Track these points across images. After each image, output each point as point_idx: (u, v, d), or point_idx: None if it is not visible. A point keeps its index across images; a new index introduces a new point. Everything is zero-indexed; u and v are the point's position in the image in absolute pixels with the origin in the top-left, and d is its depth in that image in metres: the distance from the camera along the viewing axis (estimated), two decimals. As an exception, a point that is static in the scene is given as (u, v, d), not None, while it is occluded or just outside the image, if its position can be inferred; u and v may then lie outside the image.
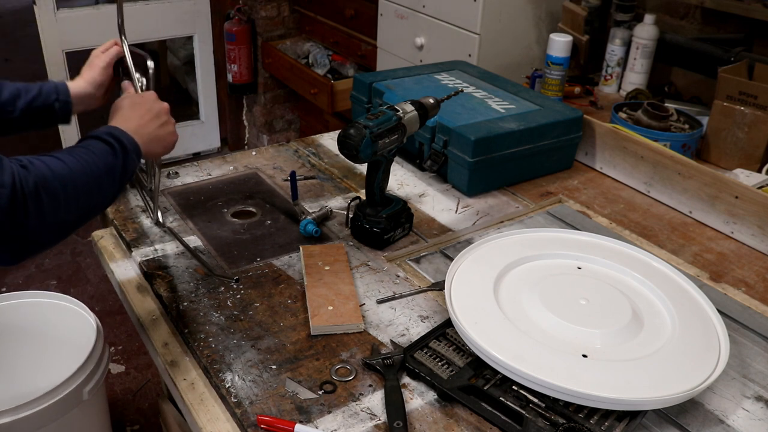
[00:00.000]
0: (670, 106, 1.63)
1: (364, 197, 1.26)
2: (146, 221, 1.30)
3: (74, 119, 3.06)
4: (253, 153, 1.58)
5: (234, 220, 1.31)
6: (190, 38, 3.59)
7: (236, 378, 0.94)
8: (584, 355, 0.91)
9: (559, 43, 1.75)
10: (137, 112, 1.05)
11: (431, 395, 0.92)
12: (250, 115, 3.69)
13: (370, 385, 0.93)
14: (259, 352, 0.98)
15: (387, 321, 1.05)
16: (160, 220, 1.27)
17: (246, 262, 1.18)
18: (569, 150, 1.55)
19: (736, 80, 1.55)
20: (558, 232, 1.20)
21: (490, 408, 0.89)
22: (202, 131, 3.74)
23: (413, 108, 1.20)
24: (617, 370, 0.89)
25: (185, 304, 1.08)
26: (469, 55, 2.00)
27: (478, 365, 0.94)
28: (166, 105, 1.09)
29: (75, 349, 1.62)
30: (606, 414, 0.88)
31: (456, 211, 1.37)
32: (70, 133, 3.27)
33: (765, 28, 1.69)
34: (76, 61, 3.06)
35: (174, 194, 1.39)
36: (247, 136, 3.77)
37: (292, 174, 1.35)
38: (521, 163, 1.46)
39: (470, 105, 1.52)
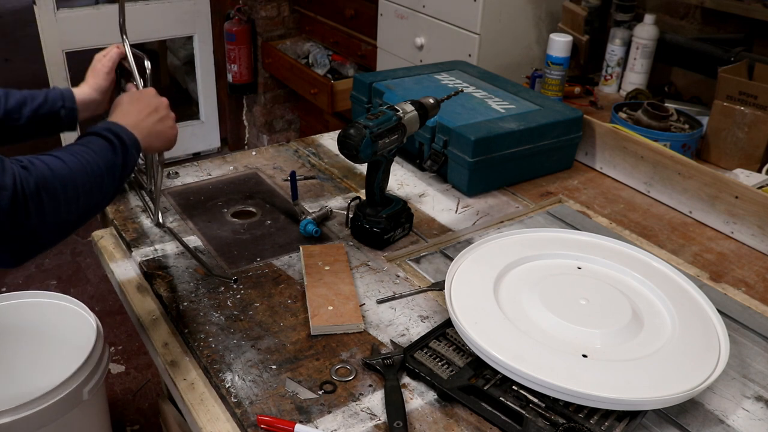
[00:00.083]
0: (670, 106, 1.63)
1: (364, 197, 1.26)
2: (146, 221, 1.30)
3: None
4: (253, 153, 1.58)
5: (234, 220, 1.31)
6: (190, 38, 3.59)
7: (236, 378, 0.94)
8: (584, 355, 0.91)
9: (559, 43, 1.75)
10: (136, 107, 1.05)
11: (431, 395, 0.92)
12: (250, 115, 3.69)
13: (370, 385, 0.93)
14: (259, 352, 0.98)
15: (387, 321, 1.05)
16: (161, 220, 1.27)
17: (246, 262, 1.18)
18: (569, 150, 1.55)
19: (736, 80, 1.55)
20: (558, 232, 1.20)
21: (490, 408, 0.89)
22: (202, 131, 3.74)
23: (413, 108, 1.20)
24: (617, 370, 0.89)
25: (185, 304, 1.08)
26: (469, 55, 2.00)
27: (478, 365, 0.94)
28: (165, 100, 1.10)
29: (75, 349, 1.62)
30: (606, 414, 0.88)
31: (456, 211, 1.37)
32: (70, 134, 3.26)
33: (765, 28, 1.69)
34: (76, 61, 3.07)
35: (174, 194, 1.39)
36: (247, 136, 3.77)
37: (292, 174, 1.35)
38: (521, 163, 1.46)
39: (470, 105, 1.52)
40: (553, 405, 0.88)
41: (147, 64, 1.18)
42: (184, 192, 1.40)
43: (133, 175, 1.38)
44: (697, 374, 0.89)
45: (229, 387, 0.92)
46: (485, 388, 0.91)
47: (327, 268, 1.14)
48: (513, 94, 1.60)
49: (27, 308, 1.71)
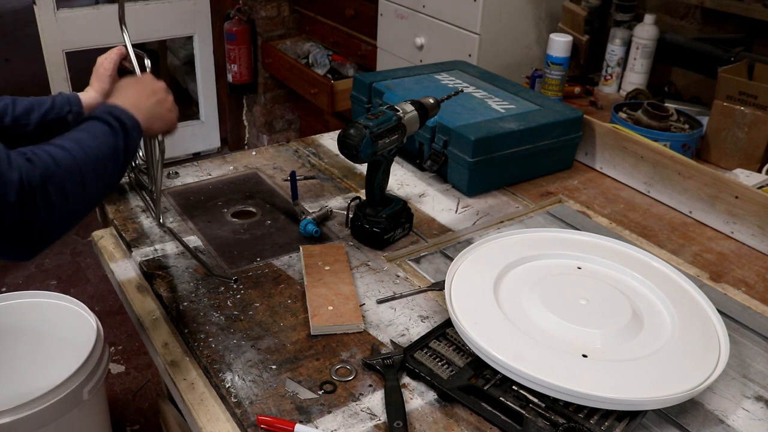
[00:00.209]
0: (670, 106, 1.63)
1: (364, 197, 1.26)
2: (146, 221, 1.30)
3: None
4: (253, 153, 1.58)
5: (234, 220, 1.31)
6: (190, 38, 3.59)
7: (236, 378, 0.94)
8: (584, 355, 0.91)
9: (559, 43, 1.75)
10: (135, 89, 1.06)
11: (431, 395, 0.92)
12: (250, 115, 3.69)
13: (370, 385, 0.93)
14: (259, 352, 0.98)
15: (387, 321, 1.05)
16: (161, 220, 1.27)
17: (246, 262, 1.18)
18: (569, 150, 1.55)
19: (736, 80, 1.55)
20: (558, 232, 1.20)
21: (490, 408, 0.89)
22: (202, 131, 3.74)
23: (413, 108, 1.20)
24: (617, 370, 0.89)
25: (185, 304, 1.08)
26: (469, 55, 2.00)
27: (478, 365, 0.94)
28: (162, 83, 1.11)
29: (75, 349, 1.62)
30: (606, 414, 0.88)
31: (456, 211, 1.37)
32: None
33: (765, 28, 1.69)
34: (76, 61, 3.08)
35: (174, 194, 1.39)
36: (247, 136, 3.77)
37: (292, 174, 1.35)
38: (521, 163, 1.46)
39: (470, 105, 1.52)
40: (553, 405, 0.88)
41: (147, 62, 1.19)
42: (184, 192, 1.40)
43: (133, 175, 1.38)
44: (697, 374, 0.89)
45: (229, 387, 0.92)
46: (485, 388, 0.91)
47: (327, 268, 1.14)
48: (513, 94, 1.60)
49: (27, 308, 1.71)
